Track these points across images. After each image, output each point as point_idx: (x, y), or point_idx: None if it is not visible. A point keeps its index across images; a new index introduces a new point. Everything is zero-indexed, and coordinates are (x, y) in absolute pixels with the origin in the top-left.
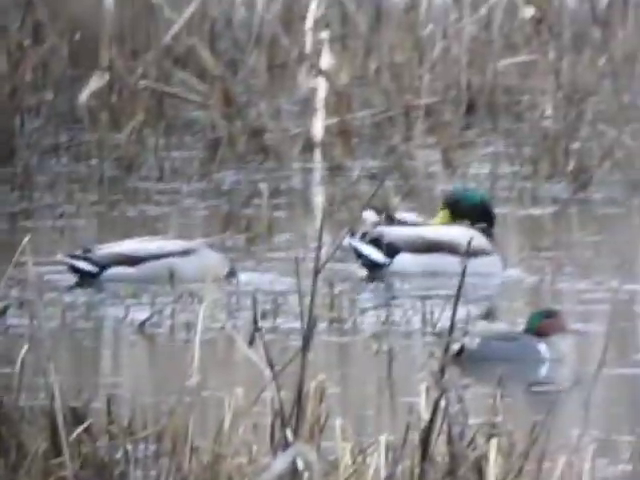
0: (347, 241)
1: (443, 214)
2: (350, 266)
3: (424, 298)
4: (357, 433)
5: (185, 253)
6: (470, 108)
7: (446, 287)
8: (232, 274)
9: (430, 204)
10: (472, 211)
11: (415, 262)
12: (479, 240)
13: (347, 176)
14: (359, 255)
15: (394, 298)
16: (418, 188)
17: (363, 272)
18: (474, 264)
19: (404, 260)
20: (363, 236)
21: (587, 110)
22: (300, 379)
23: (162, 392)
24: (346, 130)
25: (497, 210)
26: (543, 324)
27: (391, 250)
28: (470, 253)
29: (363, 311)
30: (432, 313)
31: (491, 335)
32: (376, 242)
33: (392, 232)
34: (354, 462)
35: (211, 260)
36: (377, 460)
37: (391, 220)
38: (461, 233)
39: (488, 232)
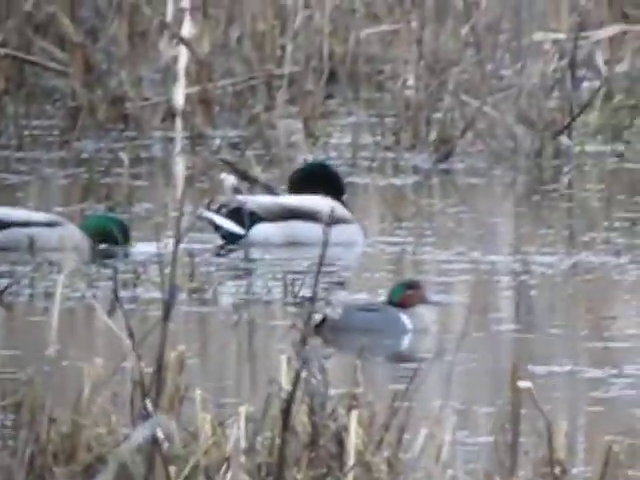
0: (203, 213)
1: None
2: (211, 236)
3: (285, 268)
4: (217, 404)
5: (49, 225)
6: (332, 77)
7: (307, 256)
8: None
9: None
10: (318, 183)
11: (274, 231)
12: (339, 209)
13: (208, 145)
14: (216, 227)
15: (255, 268)
16: (280, 158)
17: (222, 242)
18: (335, 232)
19: (263, 229)
20: (222, 207)
21: (449, 80)
22: (160, 349)
23: (21, 362)
24: (207, 99)
25: (358, 180)
26: (405, 295)
27: (252, 220)
28: (331, 221)
29: (223, 281)
30: (293, 283)
31: (353, 305)
32: (236, 212)
33: (251, 201)
34: (214, 433)
35: (73, 234)
36: (237, 431)
37: (255, 182)
38: (321, 201)
39: (341, 202)
